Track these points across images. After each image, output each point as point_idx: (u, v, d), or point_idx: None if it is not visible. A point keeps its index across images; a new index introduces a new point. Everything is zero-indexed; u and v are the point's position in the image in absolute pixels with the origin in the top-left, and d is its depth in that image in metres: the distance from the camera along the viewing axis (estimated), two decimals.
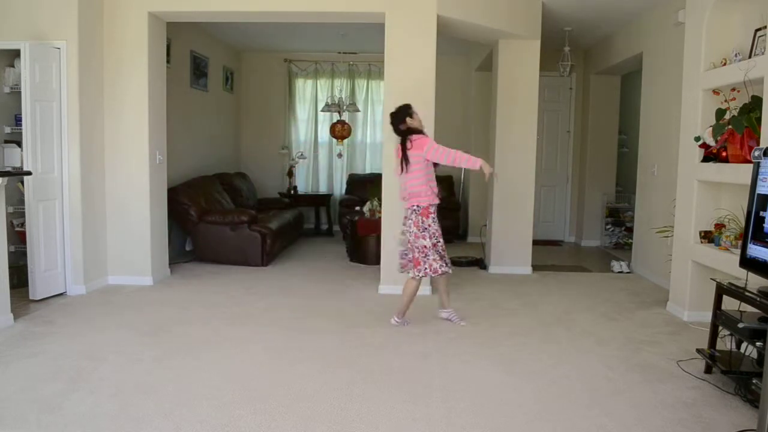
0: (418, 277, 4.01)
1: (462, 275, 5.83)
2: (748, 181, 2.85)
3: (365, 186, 7.62)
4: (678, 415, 2.74)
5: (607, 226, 7.76)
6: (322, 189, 8.90)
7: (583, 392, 2.99)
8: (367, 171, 8.79)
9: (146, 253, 5.14)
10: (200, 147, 7.21)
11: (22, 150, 4.53)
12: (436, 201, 4.03)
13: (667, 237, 4.95)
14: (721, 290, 3.20)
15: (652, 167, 5.77)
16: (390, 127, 4.17)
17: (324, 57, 8.63)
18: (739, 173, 3.65)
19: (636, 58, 6.24)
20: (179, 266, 5.87)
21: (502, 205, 5.95)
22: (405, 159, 3.98)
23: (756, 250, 2.69)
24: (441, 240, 4.05)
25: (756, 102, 3.59)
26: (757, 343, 2.83)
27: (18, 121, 4.70)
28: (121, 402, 2.75)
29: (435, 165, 4.07)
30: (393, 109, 4.13)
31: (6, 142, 4.77)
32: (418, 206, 3.97)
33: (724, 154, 3.89)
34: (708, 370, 3.25)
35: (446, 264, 4.03)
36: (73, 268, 4.75)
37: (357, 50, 8.42)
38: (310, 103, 8.80)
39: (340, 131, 8.32)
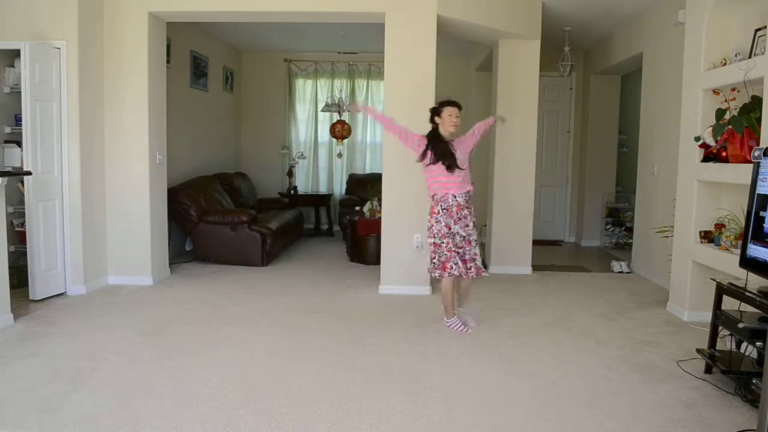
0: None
1: None
2: (748, 181, 2.85)
3: (365, 186, 7.62)
4: (678, 415, 2.74)
5: (607, 226, 7.76)
6: (322, 189, 8.90)
7: (583, 392, 2.99)
8: (367, 171, 8.79)
9: (146, 253, 5.14)
10: (200, 147, 7.21)
11: (22, 150, 4.53)
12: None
13: (667, 237, 4.95)
14: (721, 290, 3.20)
15: (652, 167, 5.77)
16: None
17: (324, 57, 8.62)
18: (739, 173, 3.65)
19: (636, 58, 6.24)
20: (179, 266, 5.87)
21: (502, 205, 5.95)
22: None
23: (756, 250, 2.70)
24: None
25: (756, 102, 3.59)
26: (757, 343, 2.83)
27: (18, 121, 4.70)
28: (121, 402, 2.75)
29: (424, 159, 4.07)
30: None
31: (6, 142, 4.77)
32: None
33: (724, 154, 3.89)
34: (708, 370, 3.25)
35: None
36: (73, 268, 4.75)
37: (357, 50, 8.42)
38: (310, 103, 8.80)
39: (340, 131, 8.33)
